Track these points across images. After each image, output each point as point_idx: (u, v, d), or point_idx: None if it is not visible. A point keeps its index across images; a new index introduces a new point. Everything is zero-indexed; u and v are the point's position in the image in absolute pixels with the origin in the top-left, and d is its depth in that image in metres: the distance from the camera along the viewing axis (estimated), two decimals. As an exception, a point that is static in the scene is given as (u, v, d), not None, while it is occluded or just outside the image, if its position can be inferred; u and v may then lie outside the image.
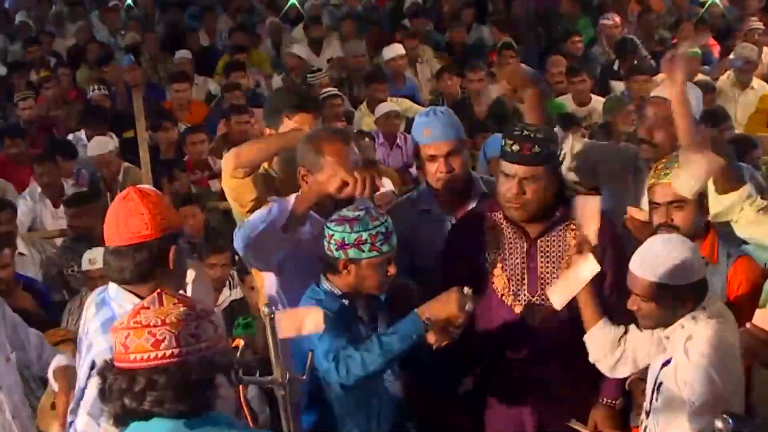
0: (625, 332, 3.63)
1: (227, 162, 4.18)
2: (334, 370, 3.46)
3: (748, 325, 3.36)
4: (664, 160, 3.92)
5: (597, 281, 3.73)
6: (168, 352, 2.43)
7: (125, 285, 3.09)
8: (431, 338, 3.55)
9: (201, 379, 2.47)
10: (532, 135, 3.76)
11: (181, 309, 2.48)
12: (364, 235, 3.55)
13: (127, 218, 3.03)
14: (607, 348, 3.63)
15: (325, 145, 3.85)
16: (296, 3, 12.69)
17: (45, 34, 12.66)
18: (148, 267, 3.05)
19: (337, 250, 3.58)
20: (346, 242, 3.56)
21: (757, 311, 3.38)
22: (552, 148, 3.82)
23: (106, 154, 7.82)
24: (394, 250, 3.63)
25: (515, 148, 3.74)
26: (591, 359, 3.68)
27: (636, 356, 3.64)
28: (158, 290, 2.56)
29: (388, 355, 3.48)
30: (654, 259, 3.38)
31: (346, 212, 3.61)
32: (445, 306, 3.53)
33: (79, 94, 10.27)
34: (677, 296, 3.38)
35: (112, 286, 3.15)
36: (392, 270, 3.63)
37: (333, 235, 3.58)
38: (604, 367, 3.69)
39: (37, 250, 6.88)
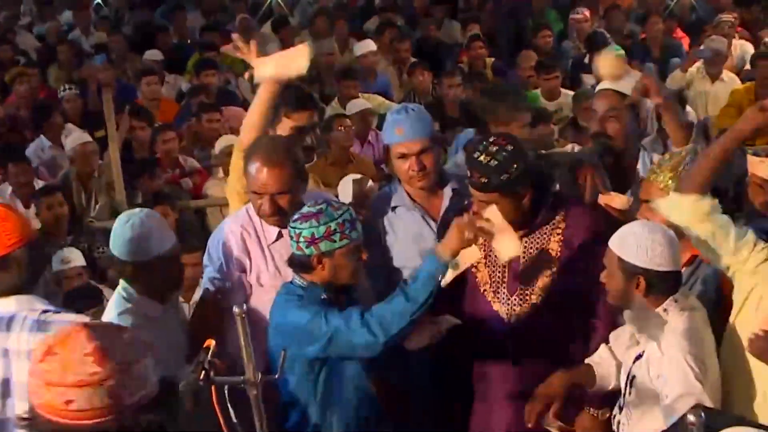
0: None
1: (238, 142, 4.26)
2: (368, 333, 3.46)
3: (751, 335, 3.34)
4: (658, 158, 3.91)
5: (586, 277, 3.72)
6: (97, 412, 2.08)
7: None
8: (412, 342, 3.59)
9: None
10: (484, 162, 3.62)
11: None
12: (333, 225, 3.55)
13: None
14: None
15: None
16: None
17: (14, 34, 12.55)
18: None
19: (308, 246, 3.57)
20: (317, 236, 3.55)
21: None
22: (512, 171, 3.61)
23: (89, 145, 7.75)
24: (362, 237, 3.64)
25: (468, 173, 3.69)
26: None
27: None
28: (80, 325, 2.17)
29: (416, 303, 3.48)
30: (631, 238, 3.40)
31: (306, 209, 3.61)
32: (458, 235, 3.50)
33: (50, 93, 10.17)
34: (640, 279, 3.38)
35: None
36: (364, 256, 3.66)
37: (301, 233, 3.57)
38: None
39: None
